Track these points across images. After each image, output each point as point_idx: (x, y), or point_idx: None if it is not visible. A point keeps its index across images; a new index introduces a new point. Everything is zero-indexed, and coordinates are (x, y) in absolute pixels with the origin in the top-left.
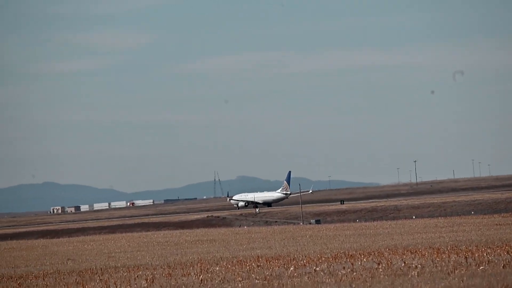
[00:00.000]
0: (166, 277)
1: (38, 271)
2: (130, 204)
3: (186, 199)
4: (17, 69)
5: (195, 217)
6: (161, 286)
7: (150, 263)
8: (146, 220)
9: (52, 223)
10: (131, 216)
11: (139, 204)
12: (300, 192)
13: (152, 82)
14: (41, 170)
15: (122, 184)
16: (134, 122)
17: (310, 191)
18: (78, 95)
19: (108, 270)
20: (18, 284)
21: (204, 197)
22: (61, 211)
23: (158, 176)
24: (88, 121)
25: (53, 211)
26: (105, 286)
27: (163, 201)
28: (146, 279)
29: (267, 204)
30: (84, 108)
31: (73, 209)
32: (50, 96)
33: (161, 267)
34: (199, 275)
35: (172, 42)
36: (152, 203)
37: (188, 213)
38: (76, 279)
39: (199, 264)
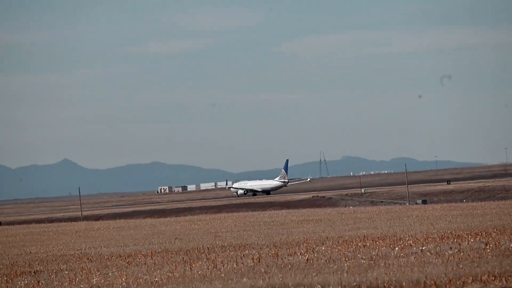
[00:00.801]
0: (272, 256)
1: (146, 250)
2: None
3: (292, 179)
4: (127, 49)
5: (301, 197)
6: (267, 265)
7: (256, 242)
8: (252, 200)
9: (160, 202)
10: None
11: None
12: (298, 180)
13: (254, 62)
14: (149, 151)
15: (229, 164)
16: (239, 102)
17: (308, 179)
18: (181, 76)
19: (215, 249)
20: (127, 263)
21: (310, 177)
22: (169, 190)
23: (265, 156)
24: (193, 102)
25: (161, 191)
26: (212, 265)
27: None
28: (253, 259)
29: (266, 192)
30: (188, 90)
31: (180, 189)
32: (154, 78)
33: (267, 247)
34: (305, 255)
35: (276, 22)
36: None
37: (294, 193)
38: (183, 258)
39: (305, 244)
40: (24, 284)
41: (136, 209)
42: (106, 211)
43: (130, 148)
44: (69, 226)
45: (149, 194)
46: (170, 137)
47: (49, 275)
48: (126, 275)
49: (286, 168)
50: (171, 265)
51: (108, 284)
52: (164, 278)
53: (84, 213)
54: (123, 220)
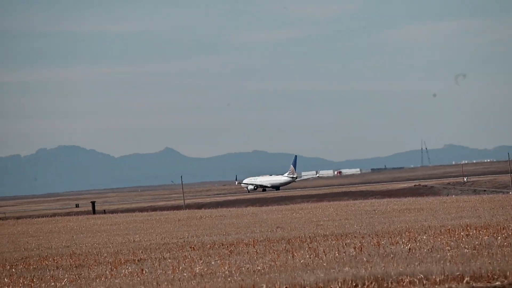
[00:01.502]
0: (374, 245)
1: (248, 238)
2: (337, 173)
3: (393, 168)
4: (225, 39)
5: (402, 186)
6: (369, 254)
7: (358, 231)
8: (353, 188)
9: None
10: (338, 185)
11: (346, 173)
12: (307, 176)
13: (355, 50)
14: (250, 139)
15: (330, 153)
16: (342, 90)
17: (318, 175)
18: (282, 64)
19: (316, 238)
20: (230, 251)
21: (411, 166)
22: None
23: (365, 145)
24: (295, 90)
25: None
26: (314, 254)
27: (369, 170)
28: (355, 247)
29: (275, 187)
30: (289, 77)
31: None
32: (253, 66)
33: (369, 236)
34: (407, 244)
35: (376, 9)
36: (359, 172)
37: (395, 182)
38: (285, 246)
39: (407, 233)
40: (128, 272)
41: (237, 197)
42: (208, 200)
43: (231, 136)
44: (172, 214)
45: None
46: (270, 125)
47: (153, 263)
48: (228, 264)
49: (294, 164)
50: (273, 254)
51: (211, 272)
52: (266, 267)
53: (187, 202)
54: (225, 208)
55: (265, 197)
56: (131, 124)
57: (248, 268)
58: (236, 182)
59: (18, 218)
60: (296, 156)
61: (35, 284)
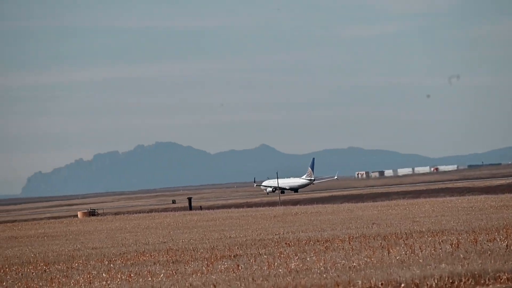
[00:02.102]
0: (471, 242)
1: (344, 234)
2: (433, 169)
3: (490, 164)
4: (309, 34)
5: (500, 182)
6: (466, 251)
7: (454, 228)
8: (450, 185)
9: (357, 187)
10: (434, 181)
11: (442, 170)
12: (325, 179)
13: (440, 46)
14: (346, 135)
15: (427, 149)
16: (438, 86)
17: (336, 177)
18: (378, 60)
19: (412, 235)
20: (325, 248)
21: (509, 162)
22: (366, 176)
23: (462, 141)
24: (392, 86)
25: (358, 176)
26: (410, 250)
27: (466, 166)
28: (451, 244)
29: (294, 189)
30: (385, 73)
31: (377, 174)
32: (349, 61)
33: (466, 232)
34: (505, 241)
35: (467, 4)
36: (456, 168)
37: (492, 178)
38: (381, 243)
39: (504, 230)
40: (224, 268)
41: (333, 194)
42: (303, 196)
43: (326, 133)
44: (267, 210)
45: (346, 179)
46: (367, 121)
47: (248, 259)
48: (324, 260)
49: (312, 166)
50: (368, 250)
51: (306, 268)
52: (362, 263)
53: (282, 198)
54: (320, 204)
55: (360, 193)
56: (228, 120)
57: (343, 264)
58: (255, 185)
59: (116, 214)
60: (313, 158)
61: (133, 279)
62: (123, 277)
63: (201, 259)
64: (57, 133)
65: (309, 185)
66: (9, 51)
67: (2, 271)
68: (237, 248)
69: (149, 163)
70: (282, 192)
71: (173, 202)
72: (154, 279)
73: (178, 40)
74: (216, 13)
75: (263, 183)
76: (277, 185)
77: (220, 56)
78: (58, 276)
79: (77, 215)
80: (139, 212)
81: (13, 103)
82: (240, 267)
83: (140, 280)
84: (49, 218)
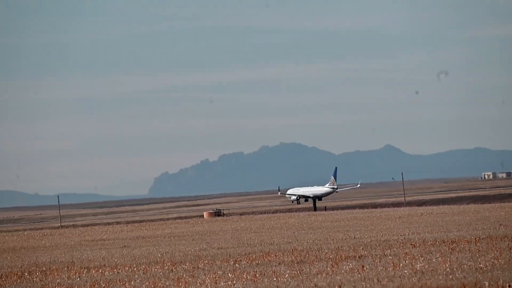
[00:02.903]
0: None
1: (470, 236)
2: None
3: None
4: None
5: None
6: None
7: None
8: None
9: (484, 188)
10: None
11: None
12: (348, 187)
13: None
14: (472, 136)
15: None
16: None
17: (358, 185)
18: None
19: None
20: (451, 249)
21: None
22: (492, 176)
23: None
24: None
25: (484, 177)
26: None
27: None
28: None
29: (317, 197)
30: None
31: (504, 175)
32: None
33: None
34: None
35: None
36: None
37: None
38: (508, 244)
39: None
40: (349, 269)
41: (459, 194)
42: (429, 197)
43: (452, 133)
44: (392, 211)
45: (473, 180)
46: (491, 121)
47: (373, 260)
48: (449, 261)
49: (335, 175)
50: (495, 251)
51: (432, 269)
52: (489, 264)
53: (407, 199)
54: (446, 206)
55: (487, 194)
56: (353, 121)
57: (470, 266)
58: (279, 193)
59: (241, 214)
60: (336, 167)
61: (258, 279)
62: (248, 277)
63: (325, 259)
64: (184, 135)
65: (333, 193)
66: (154, 53)
67: (130, 270)
68: (362, 248)
69: (274, 164)
70: (306, 200)
71: (297, 203)
72: (279, 279)
73: (304, 42)
74: (349, 13)
75: (288, 191)
76: (301, 194)
77: (345, 56)
78: (184, 275)
79: (203, 216)
80: (264, 212)
81: (140, 105)
82: (365, 268)
83: (265, 280)
84: (175, 218)
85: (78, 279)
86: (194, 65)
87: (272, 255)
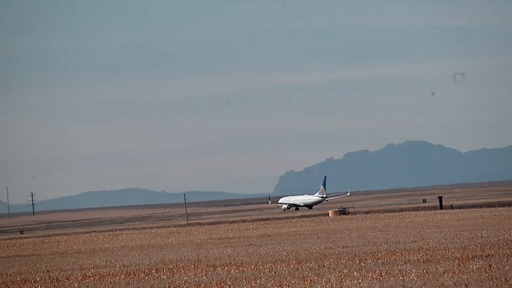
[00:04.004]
0: None
1: None
2: None
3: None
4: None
5: None
6: None
7: None
8: None
9: None
10: None
11: None
12: (338, 195)
13: None
14: None
15: None
16: None
17: (348, 193)
18: None
19: None
20: None
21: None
22: None
23: None
24: None
25: None
26: None
27: None
28: None
29: (308, 206)
30: None
31: None
32: None
33: None
34: None
35: None
36: None
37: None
38: None
39: None
40: (476, 268)
41: None
42: None
43: None
44: None
45: None
46: None
47: (501, 260)
48: None
49: (324, 184)
50: None
51: None
52: None
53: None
54: None
55: None
56: (480, 118)
57: None
58: (270, 202)
59: (366, 213)
60: (325, 176)
61: (383, 278)
62: (374, 276)
63: (452, 258)
64: (309, 133)
65: (323, 202)
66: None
67: (255, 268)
68: (489, 248)
69: (399, 162)
70: (297, 209)
71: (423, 201)
72: (405, 278)
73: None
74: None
75: (280, 200)
76: (292, 202)
77: (472, 54)
78: (310, 274)
79: (328, 214)
80: (390, 211)
81: (266, 103)
82: (492, 267)
83: (391, 279)
84: (300, 216)
85: (205, 277)
86: (320, 63)
87: (398, 254)
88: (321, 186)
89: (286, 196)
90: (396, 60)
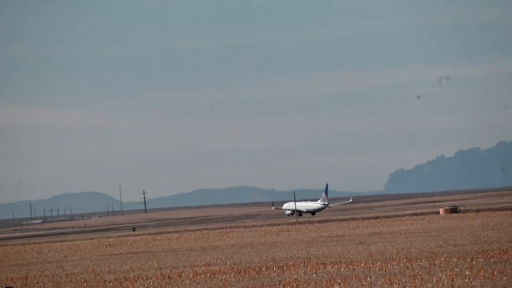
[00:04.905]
0: None
1: None
2: None
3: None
4: None
5: None
6: None
7: None
8: None
9: None
10: None
11: None
12: (341, 202)
13: None
14: None
15: None
16: None
17: (350, 200)
18: None
19: None
20: None
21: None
22: None
23: None
24: None
25: None
26: None
27: None
28: None
29: (311, 212)
30: None
31: None
32: None
33: None
34: None
35: None
36: None
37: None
38: None
39: None
40: None
41: None
42: None
43: None
44: None
45: None
46: None
47: None
48: None
49: (326, 191)
50: None
51: None
52: None
53: None
54: None
55: None
56: None
57: None
58: (273, 208)
59: (477, 211)
60: (327, 184)
61: (496, 277)
62: (485, 275)
63: None
64: (419, 131)
65: (325, 208)
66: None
67: (365, 266)
68: None
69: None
70: (300, 215)
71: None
72: None
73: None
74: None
75: (283, 206)
76: (295, 208)
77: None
78: (420, 273)
79: (439, 212)
80: (502, 209)
81: (377, 100)
82: None
83: (504, 278)
84: (411, 214)
85: (315, 275)
86: (427, 60)
87: (511, 253)
88: (323, 194)
89: (288, 201)
90: (505, 58)
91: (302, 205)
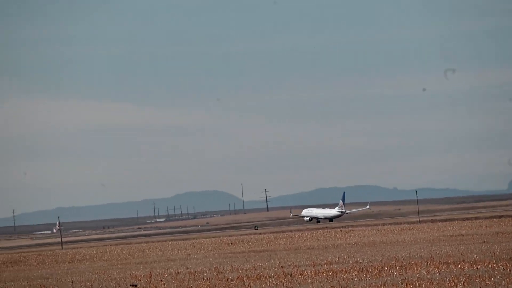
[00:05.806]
0: None
1: None
2: None
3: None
4: None
5: None
6: None
7: None
8: None
9: None
10: None
11: None
12: (358, 210)
13: None
14: None
15: None
16: None
17: (367, 206)
18: None
19: None
20: None
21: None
22: None
23: None
24: None
25: None
26: None
27: None
28: None
29: (329, 219)
30: None
31: None
32: None
33: None
34: None
35: None
36: None
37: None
38: None
39: None
40: None
41: None
42: None
43: None
44: None
45: None
46: None
47: None
48: None
49: (343, 199)
50: None
51: None
52: None
53: None
54: None
55: None
56: None
57: None
58: (291, 215)
59: None
60: (344, 192)
61: None
62: None
63: None
64: None
65: (343, 215)
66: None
67: (490, 266)
68: None
69: None
70: (318, 222)
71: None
72: None
73: None
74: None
75: (302, 212)
76: (313, 215)
77: None
78: None
79: None
80: None
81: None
82: None
83: None
84: None
85: (438, 274)
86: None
87: None
88: (340, 201)
89: (308, 208)
90: None
91: (320, 212)
